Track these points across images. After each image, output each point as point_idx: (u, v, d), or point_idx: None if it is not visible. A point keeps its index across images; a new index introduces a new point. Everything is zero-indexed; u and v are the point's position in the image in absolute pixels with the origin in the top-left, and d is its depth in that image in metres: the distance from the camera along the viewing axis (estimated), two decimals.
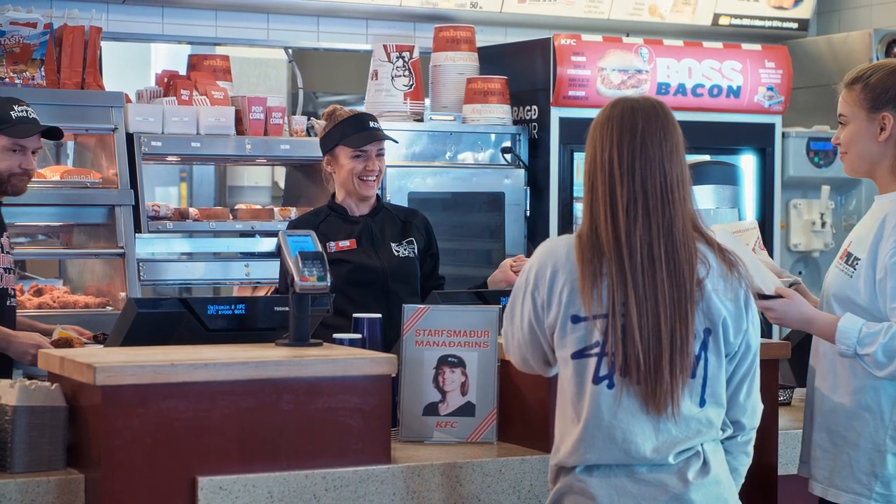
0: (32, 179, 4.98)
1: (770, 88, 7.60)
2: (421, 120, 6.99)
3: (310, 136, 6.72)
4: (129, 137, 6.22)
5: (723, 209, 7.31)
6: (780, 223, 7.83)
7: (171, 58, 8.85)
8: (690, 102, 7.25)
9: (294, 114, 7.16)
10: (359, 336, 4.15)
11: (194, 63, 6.86)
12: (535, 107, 7.22)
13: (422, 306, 4.09)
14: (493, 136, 7.14)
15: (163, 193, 9.02)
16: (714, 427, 3.26)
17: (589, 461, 3.25)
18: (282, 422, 3.59)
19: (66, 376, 3.58)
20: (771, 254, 7.18)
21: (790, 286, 3.87)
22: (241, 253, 6.71)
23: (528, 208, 7.17)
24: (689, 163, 3.33)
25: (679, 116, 3.39)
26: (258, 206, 6.81)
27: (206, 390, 3.51)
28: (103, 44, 6.39)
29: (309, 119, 6.79)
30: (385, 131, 5.20)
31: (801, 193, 7.99)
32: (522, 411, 4.04)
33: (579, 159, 7.27)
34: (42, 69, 5.93)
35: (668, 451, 3.20)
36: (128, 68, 8.31)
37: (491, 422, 4.03)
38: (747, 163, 7.77)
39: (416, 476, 3.71)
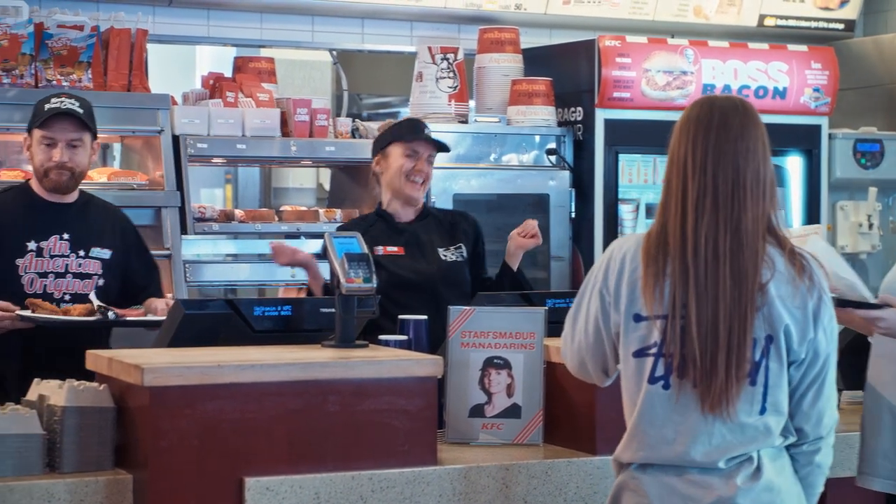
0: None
1: (816, 90, 7.56)
2: (465, 122, 6.99)
3: (354, 137, 6.73)
4: (175, 139, 6.24)
5: None
6: (826, 225, 7.78)
7: (216, 60, 8.87)
8: None
9: (338, 115, 7.17)
10: (405, 337, 4.15)
11: (240, 65, 6.88)
12: (579, 108, 7.20)
13: (467, 308, 4.09)
14: (537, 138, 7.13)
15: (208, 195, 9.04)
16: (772, 435, 3.21)
17: (641, 459, 3.23)
18: (328, 423, 3.60)
19: (113, 377, 3.60)
20: None
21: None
22: None
23: (572, 210, 7.15)
24: None
25: None
26: (303, 208, 6.82)
27: (252, 391, 3.52)
28: (149, 46, 6.41)
29: (354, 121, 6.80)
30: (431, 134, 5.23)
31: (847, 195, 7.93)
32: (569, 413, 4.04)
33: (624, 161, 7.26)
34: (89, 72, 5.96)
35: (719, 456, 3.17)
36: (173, 70, 8.33)
37: (537, 423, 4.02)
38: (794, 164, 7.73)
39: (463, 478, 3.71)
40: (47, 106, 4.77)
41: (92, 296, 4.70)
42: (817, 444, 3.29)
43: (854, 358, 3.99)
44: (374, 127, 6.75)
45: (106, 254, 4.86)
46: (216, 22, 7.23)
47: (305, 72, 9.75)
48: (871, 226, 7.91)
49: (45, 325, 4.54)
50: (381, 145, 5.20)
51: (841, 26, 8.65)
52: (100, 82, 6.00)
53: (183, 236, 6.24)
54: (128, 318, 4.65)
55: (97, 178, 6.10)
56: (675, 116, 3.39)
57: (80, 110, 4.77)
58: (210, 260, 6.56)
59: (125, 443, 3.57)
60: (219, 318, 3.93)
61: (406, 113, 7.70)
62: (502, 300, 4.39)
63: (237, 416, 3.51)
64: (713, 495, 3.19)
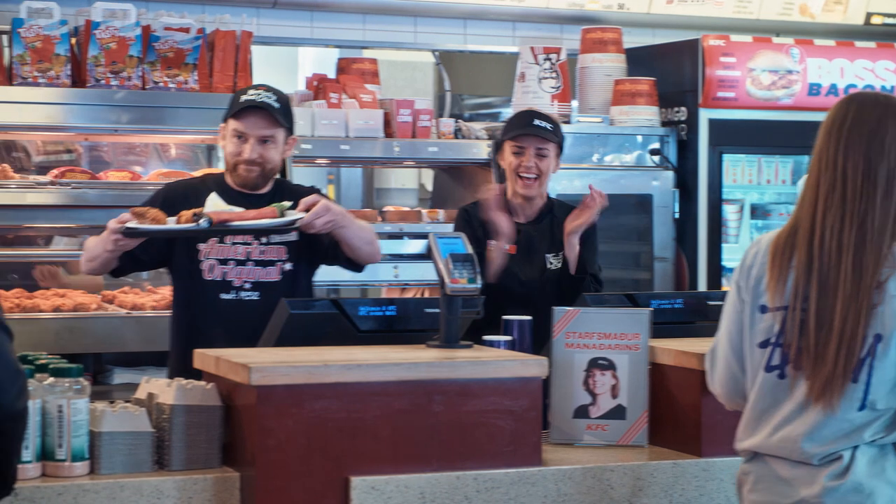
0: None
1: None
2: (568, 122, 6.97)
3: (457, 138, 6.74)
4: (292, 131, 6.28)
5: None
6: None
7: (318, 61, 8.92)
8: None
9: (441, 116, 7.19)
10: (509, 338, 4.15)
11: (343, 66, 6.92)
12: (683, 108, 7.16)
13: (572, 308, 4.08)
14: (639, 138, 7.10)
15: None
16: (865, 433, 3.18)
17: (751, 447, 3.24)
18: (433, 423, 3.60)
19: (221, 376, 3.63)
20: None
21: None
22: (389, 254, 6.74)
23: (676, 210, 7.11)
24: None
25: None
26: (406, 208, 6.84)
27: (358, 391, 3.54)
28: (253, 47, 6.47)
29: (456, 121, 6.81)
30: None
31: None
32: (674, 415, 4.01)
33: (728, 161, 7.20)
34: (195, 73, 6.02)
35: (819, 451, 3.15)
36: (276, 71, 8.39)
37: (642, 425, 4.00)
38: None
39: (567, 479, 3.70)
40: (243, 97, 4.63)
41: (211, 197, 4.45)
42: None
43: None
44: (477, 128, 6.76)
45: (291, 236, 4.63)
46: (320, 23, 7.27)
47: (407, 73, 9.78)
48: None
49: (146, 234, 4.34)
50: (498, 142, 5.26)
51: None
52: (205, 84, 6.06)
53: None
54: (230, 225, 4.34)
55: (198, 174, 6.15)
56: (780, 116, 3.38)
57: (276, 105, 4.62)
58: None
59: (232, 441, 3.60)
60: (324, 318, 3.95)
61: (508, 114, 7.69)
62: (607, 301, 4.37)
63: (343, 415, 3.52)
64: (800, 493, 3.16)
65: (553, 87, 6.93)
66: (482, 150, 6.64)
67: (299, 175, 7.37)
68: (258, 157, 4.59)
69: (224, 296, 4.58)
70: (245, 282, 4.60)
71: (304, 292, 4.68)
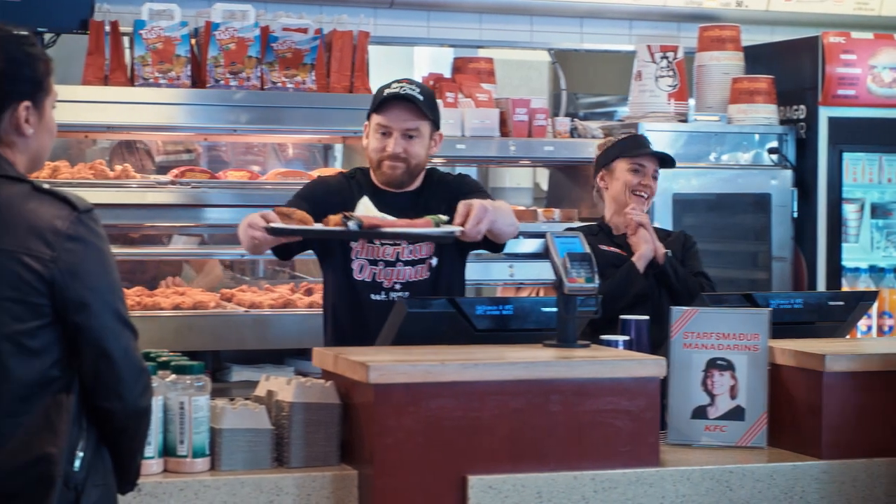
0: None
1: None
2: (685, 121, 6.92)
3: (573, 137, 6.72)
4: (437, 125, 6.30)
5: None
6: None
7: (434, 60, 8.94)
8: None
9: (556, 115, 7.17)
10: (626, 337, 4.13)
11: (459, 66, 6.93)
12: (802, 106, 7.08)
13: (690, 308, 4.05)
14: (757, 137, 7.03)
15: None
16: None
17: None
18: (550, 422, 3.60)
19: (339, 374, 3.66)
20: None
21: None
22: (504, 253, 6.72)
23: (794, 210, 7.03)
24: None
25: None
26: (522, 207, 6.83)
27: (475, 390, 3.55)
28: (369, 47, 6.49)
29: (572, 120, 6.79)
30: (648, 132, 5.22)
31: None
32: (793, 416, 3.97)
33: (848, 159, 7.11)
34: (312, 73, 6.06)
35: None
36: (392, 71, 8.42)
37: (761, 426, 3.97)
38: None
39: (686, 480, 3.68)
40: (387, 91, 4.49)
41: (362, 201, 4.26)
42: None
43: None
44: (593, 127, 6.74)
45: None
46: (436, 23, 7.28)
47: (523, 72, 9.77)
48: None
49: (293, 234, 4.23)
50: (605, 161, 5.25)
51: None
52: (323, 84, 6.10)
53: None
54: (382, 230, 4.15)
55: (315, 174, 6.19)
56: None
57: (420, 97, 4.47)
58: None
59: (350, 439, 3.63)
60: (441, 317, 3.96)
61: (623, 112, 7.65)
62: (725, 301, 4.33)
63: (460, 414, 3.53)
64: None
65: (670, 86, 6.88)
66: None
67: None
68: (402, 152, 4.45)
69: (374, 296, 4.48)
70: (395, 282, 4.49)
71: (454, 285, 4.57)
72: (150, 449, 3.41)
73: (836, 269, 7.00)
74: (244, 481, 3.47)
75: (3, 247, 2.78)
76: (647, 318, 4.26)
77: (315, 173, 6.22)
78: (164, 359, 3.58)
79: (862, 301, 4.59)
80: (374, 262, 4.49)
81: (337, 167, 7.00)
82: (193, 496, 3.42)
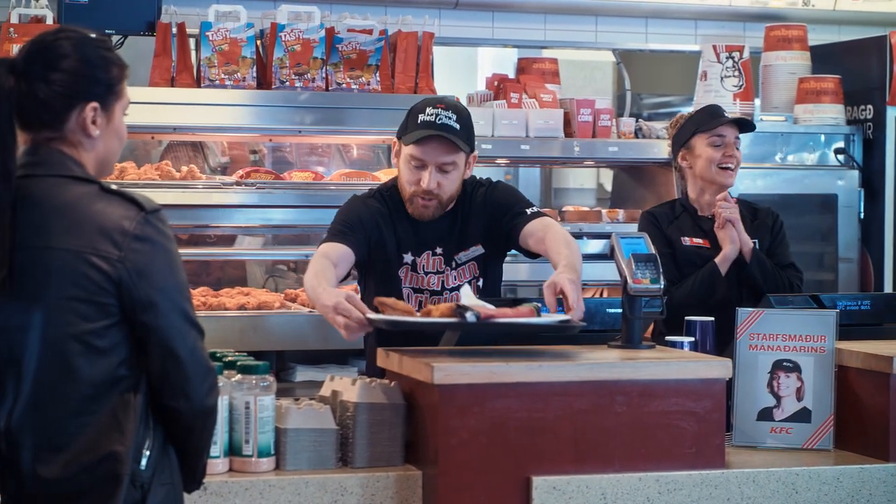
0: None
1: None
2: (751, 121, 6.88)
3: (637, 138, 6.70)
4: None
5: None
6: None
7: (497, 61, 8.94)
8: None
9: (621, 116, 7.15)
10: (692, 339, 4.12)
11: (523, 66, 6.93)
12: (869, 106, 7.02)
13: (756, 309, 4.03)
14: (823, 137, 6.98)
15: None
16: None
17: None
18: (615, 424, 3.59)
19: (403, 374, 3.66)
20: None
21: None
22: None
23: (861, 211, 6.98)
24: None
25: None
26: (586, 208, 6.82)
27: (540, 391, 3.54)
28: (434, 48, 6.50)
29: (637, 121, 6.77)
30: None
31: None
32: (860, 419, 3.94)
33: None
34: (377, 74, 6.07)
35: None
36: (456, 72, 8.43)
37: (828, 429, 3.94)
38: None
39: (751, 482, 3.66)
40: (421, 117, 4.25)
41: (464, 290, 3.99)
42: None
43: None
44: (658, 127, 6.72)
45: (478, 250, 4.39)
46: (500, 24, 7.29)
47: (587, 72, 9.76)
48: None
49: (396, 328, 3.80)
50: (683, 139, 5.10)
51: None
52: (387, 85, 6.11)
53: None
54: (496, 321, 3.74)
55: (384, 179, 6.21)
56: None
57: (457, 125, 4.24)
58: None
59: (414, 439, 3.63)
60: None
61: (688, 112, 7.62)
62: (791, 302, 4.31)
63: (524, 414, 3.53)
64: None
65: (735, 86, 6.85)
66: (662, 149, 6.58)
67: (479, 175, 7.40)
68: (436, 188, 4.26)
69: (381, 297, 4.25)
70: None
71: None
72: (216, 448, 3.43)
73: None
74: (309, 481, 3.48)
75: (70, 247, 2.80)
76: (711, 319, 4.23)
77: (380, 174, 6.24)
78: (230, 359, 3.60)
79: None
80: (419, 291, 4.37)
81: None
82: (258, 496, 3.44)
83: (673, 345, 4.04)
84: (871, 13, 7.69)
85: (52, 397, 2.79)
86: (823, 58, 7.19)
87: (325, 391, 3.76)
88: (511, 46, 7.75)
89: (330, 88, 6.01)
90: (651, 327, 4.96)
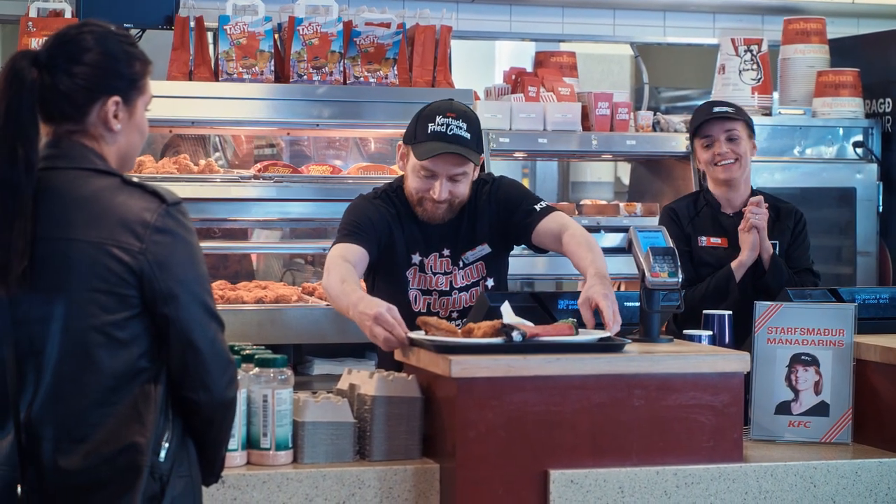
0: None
1: None
2: (769, 114, 6.87)
3: (655, 131, 6.69)
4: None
5: None
6: None
7: (515, 54, 8.94)
8: None
9: (639, 109, 7.14)
10: (710, 332, 4.11)
11: (541, 60, 6.92)
12: (888, 99, 7.00)
13: (774, 303, 4.02)
14: (841, 130, 6.96)
15: None
16: None
17: None
18: (632, 417, 3.59)
19: (421, 368, 3.66)
20: None
21: None
22: None
23: (880, 204, 6.96)
24: None
25: None
26: (603, 202, 6.81)
27: (557, 384, 3.54)
28: (451, 41, 6.50)
29: (655, 114, 6.76)
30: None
31: None
32: (879, 412, 3.93)
33: None
34: (395, 68, 6.07)
35: None
36: (474, 65, 8.43)
37: (846, 422, 3.93)
38: None
39: (769, 476, 3.65)
40: (431, 127, 4.21)
41: (504, 308, 3.84)
42: None
43: None
44: (676, 121, 6.71)
45: (485, 249, 4.40)
46: (518, 17, 7.28)
47: (604, 65, 9.75)
48: None
49: (441, 350, 3.62)
50: (690, 139, 5.20)
51: None
52: (405, 78, 6.11)
53: None
54: (541, 340, 3.66)
55: (401, 172, 6.20)
56: None
57: (467, 135, 4.21)
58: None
59: (432, 432, 3.63)
60: (523, 311, 3.94)
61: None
62: (810, 296, 4.30)
63: (542, 408, 3.53)
64: None
65: (753, 79, 6.84)
66: (681, 143, 6.58)
67: (497, 168, 7.41)
68: (448, 196, 4.26)
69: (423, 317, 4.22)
70: (452, 311, 4.37)
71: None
72: (234, 441, 3.44)
73: None
74: (326, 474, 3.49)
75: (92, 239, 2.81)
76: (729, 312, 4.23)
77: (396, 168, 6.23)
78: (247, 352, 3.61)
79: None
80: (427, 293, 4.36)
81: None
82: (276, 488, 3.45)
83: (691, 338, 4.04)
84: (891, 6, 7.66)
85: (72, 389, 2.80)
86: (842, 51, 7.17)
87: (343, 384, 3.76)
88: (529, 40, 7.75)
89: (347, 82, 6.02)
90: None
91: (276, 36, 6.04)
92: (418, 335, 3.70)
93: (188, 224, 2.89)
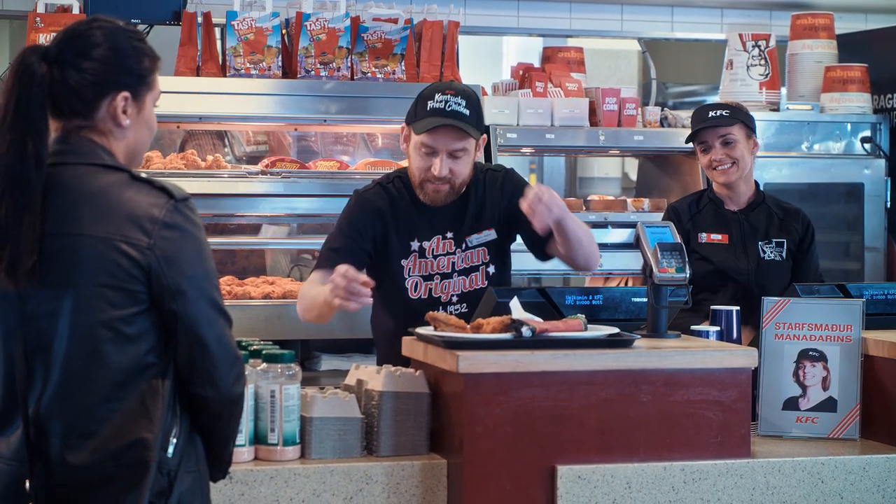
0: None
1: None
2: (777, 110, 6.86)
3: (663, 127, 6.69)
4: (486, 129, 6.30)
5: None
6: None
7: (522, 50, 8.94)
8: None
9: (646, 105, 7.13)
10: (717, 328, 4.11)
11: (548, 55, 6.92)
12: None
13: (782, 299, 4.02)
14: (849, 126, 6.95)
15: None
16: None
17: None
18: (640, 413, 3.59)
19: (429, 363, 3.67)
20: None
21: None
22: None
23: (888, 200, 6.96)
24: None
25: None
26: (611, 198, 6.81)
27: (565, 380, 3.54)
28: (459, 37, 6.50)
29: (662, 110, 6.76)
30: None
31: None
32: (886, 408, 3.93)
33: None
34: (402, 64, 6.07)
35: None
36: (481, 61, 8.43)
37: (854, 418, 3.93)
38: None
39: (777, 471, 3.65)
40: (430, 104, 4.23)
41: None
42: None
43: None
44: (683, 116, 6.70)
45: (490, 235, 4.38)
46: (526, 13, 7.28)
47: (612, 61, 9.74)
48: None
49: (450, 346, 3.60)
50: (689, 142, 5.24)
51: None
52: (412, 74, 6.11)
53: None
54: (550, 336, 3.64)
55: (405, 165, 6.20)
56: None
57: (466, 111, 4.21)
58: (514, 249, 6.61)
59: (439, 428, 3.63)
60: (530, 307, 3.94)
61: (713, 101, 7.60)
62: (818, 291, 4.30)
63: (549, 403, 3.53)
64: None
65: (761, 75, 6.83)
66: None
67: (504, 164, 7.39)
68: (448, 174, 4.24)
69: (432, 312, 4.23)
70: (452, 295, 4.33)
71: None
72: (241, 437, 3.44)
73: None
74: (334, 469, 3.49)
75: (100, 234, 2.81)
76: (737, 308, 4.23)
77: (404, 163, 6.23)
78: (255, 347, 3.61)
79: None
80: (428, 278, 4.33)
81: None
82: (283, 484, 3.45)
83: (698, 334, 4.04)
84: None
85: (80, 384, 2.80)
86: (850, 46, 7.16)
87: (350, 380, 3.76)
88: (536, 35, 7.74)
89: (355, 77, 6.01)
90: None
91: (284, 31, 6.04)
92: (427, 331, 3.71)
93: (196, 220, 2.89)
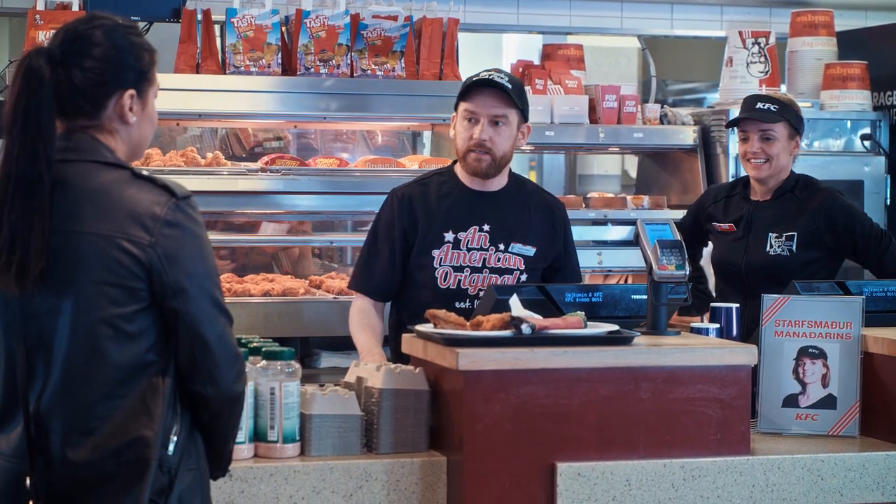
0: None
1: None
2: None
3: (662, 124, 6.69)
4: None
5: None
6: None
7: (522, 47, 8.94)
8: None
9: (646, 102, 7.14)
10: (717, 325, 4.11)
11: (548, 52, 6.92)
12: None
13: (782, 296, 4.02)
14: (849, 123, 6.95)
15: None
16: None
17: None
18: (639, 410, 3.59)
19: (428, 360, 3.66)
20: None
21: None
22: (592, 241, 6.72)
23: (888, 197, 6.96)
24: None
25: None
26: (611, 195, 6.81)
27: (565, 377, 3.54)
28: (459, 34, 6.50)
29: (662, 107, 6.76)
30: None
31: None
32: (886, 405, 3.93)
33: None
34: (402, 61, 6.07)
35: None
36: (481, 58, 8.42)
37: (853, 415, 3.93)
38: None
39: (776, 469, 3.65)
40: (475, 79, 4.41)
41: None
42: None
43: None
44: (683, 113, 6.71)
45: (528, 251, 4.47)
46: (526, 10, 7.28)
47: (611, 58, 9.74)
48: None
49: (450, 343, 3.61)
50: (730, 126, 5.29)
51: None
52: (412, 71, 6.11)
53: None
54: (550, 333, 3.65)
55: (409, 166, 6.21)
56: None
57: (509, 84, 4.37)
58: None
59: (439, 425, 3.63)
60: (530, 304, 3.94)
61: (714, 99, 7.61)
62: (817, 289, 4.30)
63: (549, 401, 3.53)
64: None
65: (761, 72, 6.83)
66: (688, 135, 6.58)
67: None
68: (488, 140, 4.35)
69: (459, 304, 4.38)
70: (480, 290, 4.38)
71: None
72: (241, 434, 3.43)
73: None
74: (333, 467, 3.49)
75: (101, 232, 2.81)
76: (737, 305, 4.23)
77: (404, 161, 6.24)
78: (255, 345, 3.61)
79: None
80: (459, 269, 4.42)
81: (425, 154, 7.02)
82: (283, 481, 3.45)
83: (698, 331, 4.04)
84: None
85: (81, 381, 2.80)
86: (850, 43, 7.16)
87: (350, 377, 3.76)
88: (536, 33, 7.75)
89: (355, 75, 6.01)
90: None
91: (284, 29, 6.04)
92: (427, 328, 3.71)
93: (198, 218, 2.89)
